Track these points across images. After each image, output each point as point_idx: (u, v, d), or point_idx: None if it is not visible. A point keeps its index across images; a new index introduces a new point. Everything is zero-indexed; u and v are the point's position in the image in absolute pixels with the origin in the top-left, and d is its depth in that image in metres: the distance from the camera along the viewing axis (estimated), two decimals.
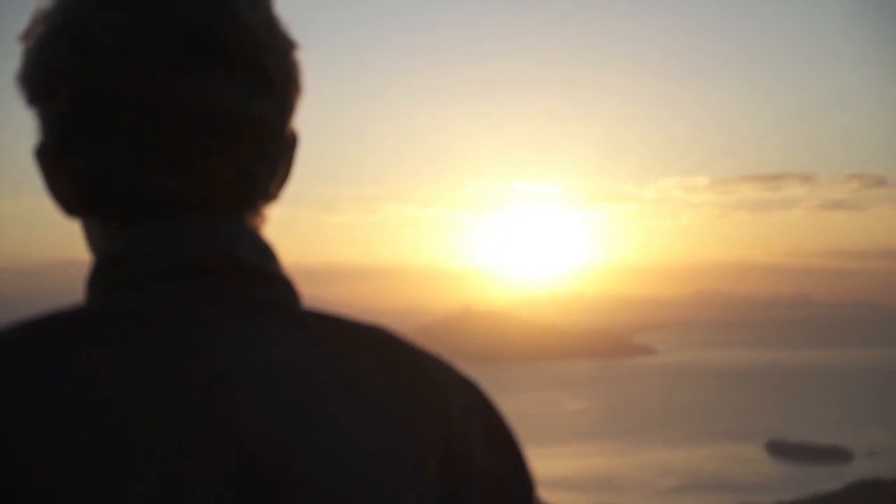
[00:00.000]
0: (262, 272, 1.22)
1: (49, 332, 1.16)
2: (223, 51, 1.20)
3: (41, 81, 1.23)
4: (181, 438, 1.13)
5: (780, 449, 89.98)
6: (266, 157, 1.24)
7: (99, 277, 1.22)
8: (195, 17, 1.20)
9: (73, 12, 1.23)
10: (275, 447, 1.15)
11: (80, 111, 1.21)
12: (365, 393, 1.21)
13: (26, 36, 1.26)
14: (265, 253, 1.23)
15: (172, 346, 1.16)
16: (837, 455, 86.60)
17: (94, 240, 1.29)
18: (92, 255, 1.30)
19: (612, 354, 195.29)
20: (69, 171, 1.23)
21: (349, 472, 1.17)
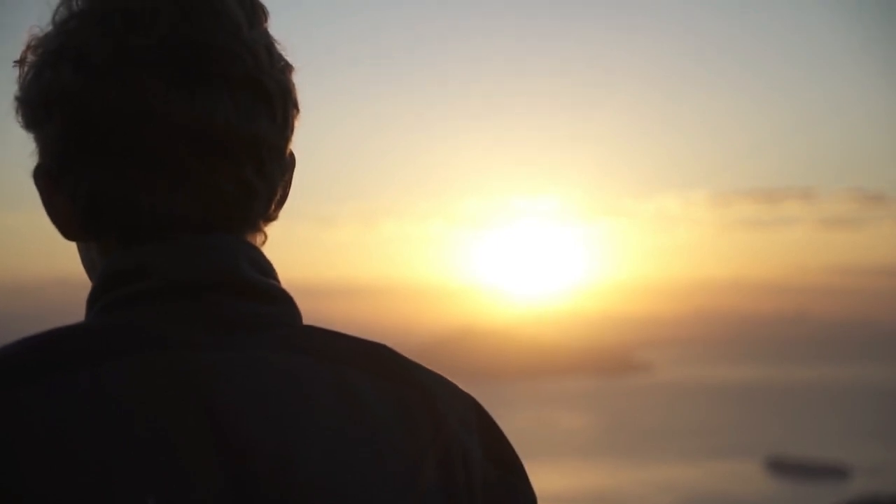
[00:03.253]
0: (263, 289, 1.23)
1: (53, 349, 1.17)
2: (223, 70, 1.20)
3: (40, 104, 1.23)
4: (183, 454, 1.13)
5: (778, 466, 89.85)
6: (265, 175, 1.24)
7: (101, 295, 1.22)
8: (196, 35, 1.20)
9: (72, 34, 1.22)
10: (275, 458, 1.16)
11: (79, 132, 1.21)
12: (362, 403, 1.21)
13: (22, 60, 1.26)
14: (265, 270, 1.24)
15: (174, 362, 1.17)
16: (836, 472, 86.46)
17: (93, 260, 1.28)
18: (90, 275, 1.30)
19: (610, 371, 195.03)
20: (68, 192, 1.23)
21: (348, 482, 1.18)
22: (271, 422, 1.17)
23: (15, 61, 1.27)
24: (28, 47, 1.26)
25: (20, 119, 1.26)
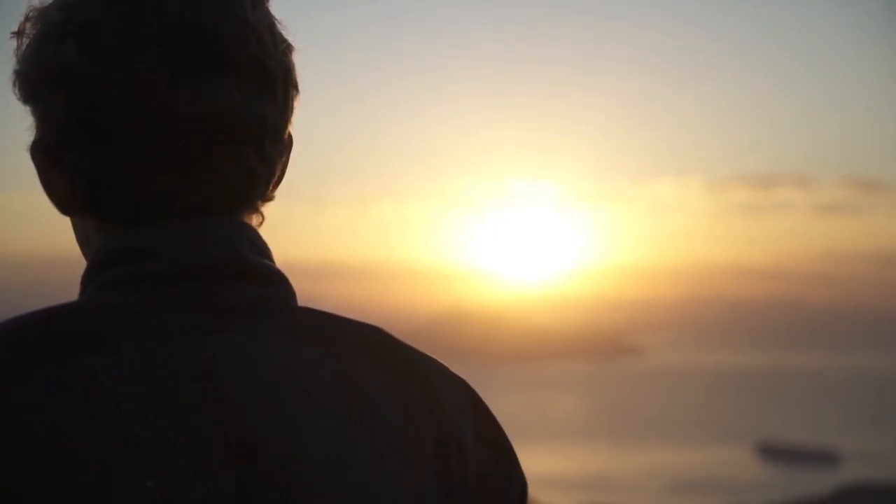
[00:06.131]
0: (261, 273, 1.22)
1: (47, 333, 1.15)
2: (229, 54, 1.19)
3: (41, 79, 1.21)
4: (183, 454, 1.13)
5: (770, 451, 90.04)
6: (265, 158, 1.23)
7: (98, 275, 1.21)
8: (202, 19, 1.19)
9: (76, 10, 1.20)
10: (276, 459, 1.16)
11: (82, 111, 1.18)
12: (363, 400, 1.21)
13: (21, 32, 1.24)
14: (262, 251, 1.24)
15: (174, 356, 1.16)
16: (828, 458, 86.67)
17: (88, 237, 1.27)
18: (84, 251, 1.28)
19: (604, 355, 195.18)
20: (67, 170, 1.22)
21: (347, 482, 1.18)
22: (272, 421, 1.16)
23: (13, 32, 1.24)
24: (27, 19, 1.23)
25: (17, 92, 1.23)
